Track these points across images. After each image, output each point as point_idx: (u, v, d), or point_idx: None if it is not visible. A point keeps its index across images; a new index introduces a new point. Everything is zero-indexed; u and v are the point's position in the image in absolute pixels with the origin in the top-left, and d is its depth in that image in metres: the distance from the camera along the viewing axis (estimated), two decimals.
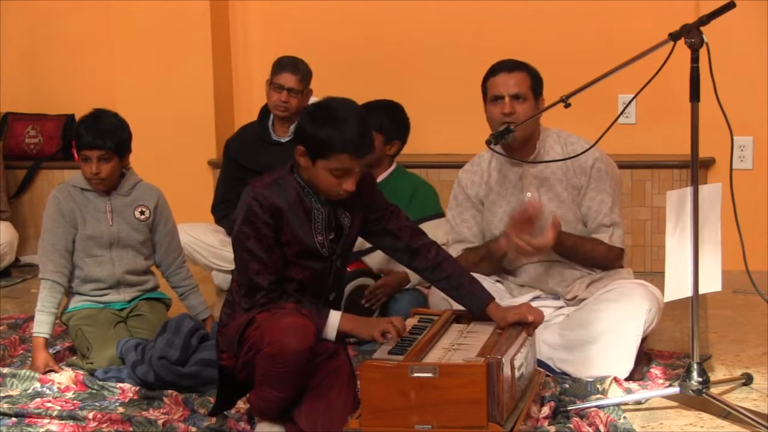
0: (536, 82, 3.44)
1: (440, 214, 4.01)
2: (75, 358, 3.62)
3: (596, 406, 2.95)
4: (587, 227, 3.46)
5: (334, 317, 2.80)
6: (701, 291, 2.93)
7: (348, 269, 3.35)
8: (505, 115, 3.37)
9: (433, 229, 3.63)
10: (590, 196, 3.45)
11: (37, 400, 3.23)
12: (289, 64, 4.47)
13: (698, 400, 2.95)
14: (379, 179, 4.04)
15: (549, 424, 2.87)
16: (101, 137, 3.53)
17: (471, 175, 3.60)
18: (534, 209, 3.29)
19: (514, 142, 3.37)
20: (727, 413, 2.92)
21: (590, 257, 3.44)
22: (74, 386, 3.34)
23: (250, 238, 2.76)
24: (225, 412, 3.00)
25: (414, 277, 3.90)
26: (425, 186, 4.16)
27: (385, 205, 2.96)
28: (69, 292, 3.65)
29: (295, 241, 2.79)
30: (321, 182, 2.78)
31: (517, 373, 2.66)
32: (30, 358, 3.57)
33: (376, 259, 3.96)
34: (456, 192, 3.64)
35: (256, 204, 2.76)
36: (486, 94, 3.46)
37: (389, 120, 4.05)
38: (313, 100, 4.35)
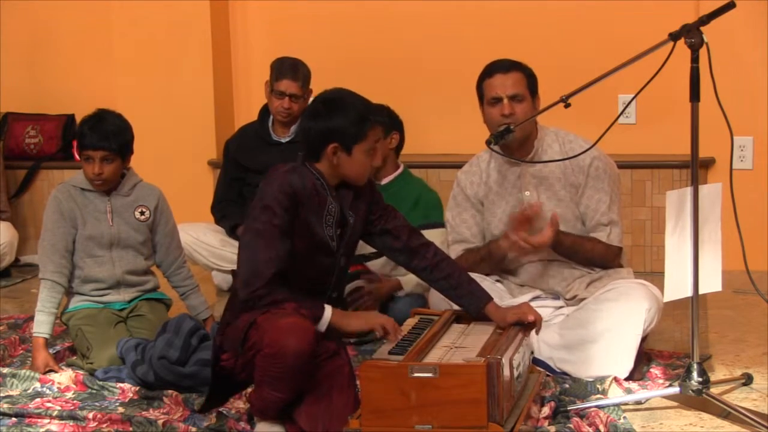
0: (532, 81, 3.45)
1: (441, 224, 3.96)
2: (75, 358, 3.62)
3: (596, 406, 2.95)
4: (585, 226, 3.46)
5: (327, 311, 2.79)
6: (701, 291, 2.93)
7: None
8: (504, 116, 3.37)
9: (431, 239, 3.61)
10: (588, 195, 3.45)
11: (37, 400, 3.23)
12: (289, 70, 4.42)
13: (698, 400, 2.95)
14: (385, 181, 4.03)
15: (549, 424, 2.87)
16: (105, 138, 3.52)
17: (470, 176, 3.61)
18: (532, 210, 3.30)
19: (513, 141, 3.38)
20: (727, 413, 2.92)
21: (589, 256, 3.44)
22: (74, 386, 3.34)
23: (266, 224, 2.74)
24: (225, 413, 3.00)
25: (407, 285, 3.89)
26: (430, 193, 4.13)
27: (383, 206, 2.98)
28: (69, 292, 3.64)
29: (307, 233, 2.79)
30: (357, 168, 2.82)
31: (515, 373, 2.66)
32: (30, 358, 3.57)
33: (377, 265, 3.95)
34: (455, 192, 3.64)
35: (279, 190, 2.75)
36: (482, 95, 3.46)
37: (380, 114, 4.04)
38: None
